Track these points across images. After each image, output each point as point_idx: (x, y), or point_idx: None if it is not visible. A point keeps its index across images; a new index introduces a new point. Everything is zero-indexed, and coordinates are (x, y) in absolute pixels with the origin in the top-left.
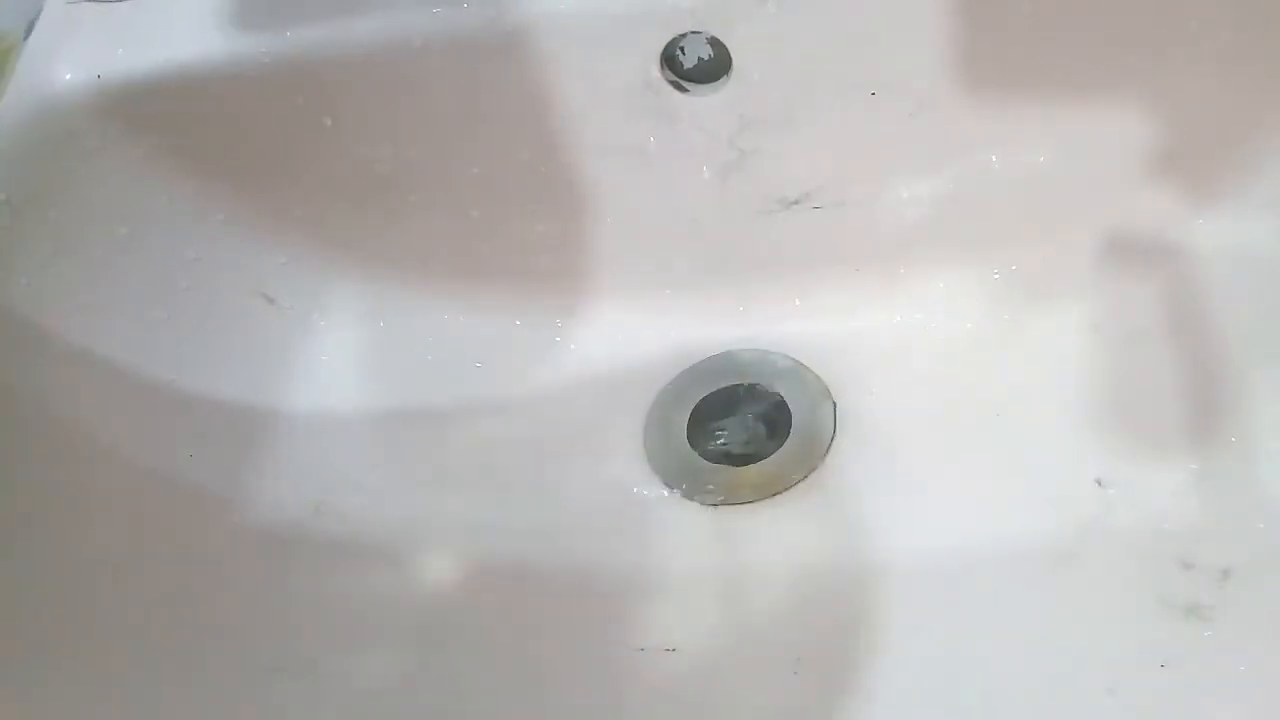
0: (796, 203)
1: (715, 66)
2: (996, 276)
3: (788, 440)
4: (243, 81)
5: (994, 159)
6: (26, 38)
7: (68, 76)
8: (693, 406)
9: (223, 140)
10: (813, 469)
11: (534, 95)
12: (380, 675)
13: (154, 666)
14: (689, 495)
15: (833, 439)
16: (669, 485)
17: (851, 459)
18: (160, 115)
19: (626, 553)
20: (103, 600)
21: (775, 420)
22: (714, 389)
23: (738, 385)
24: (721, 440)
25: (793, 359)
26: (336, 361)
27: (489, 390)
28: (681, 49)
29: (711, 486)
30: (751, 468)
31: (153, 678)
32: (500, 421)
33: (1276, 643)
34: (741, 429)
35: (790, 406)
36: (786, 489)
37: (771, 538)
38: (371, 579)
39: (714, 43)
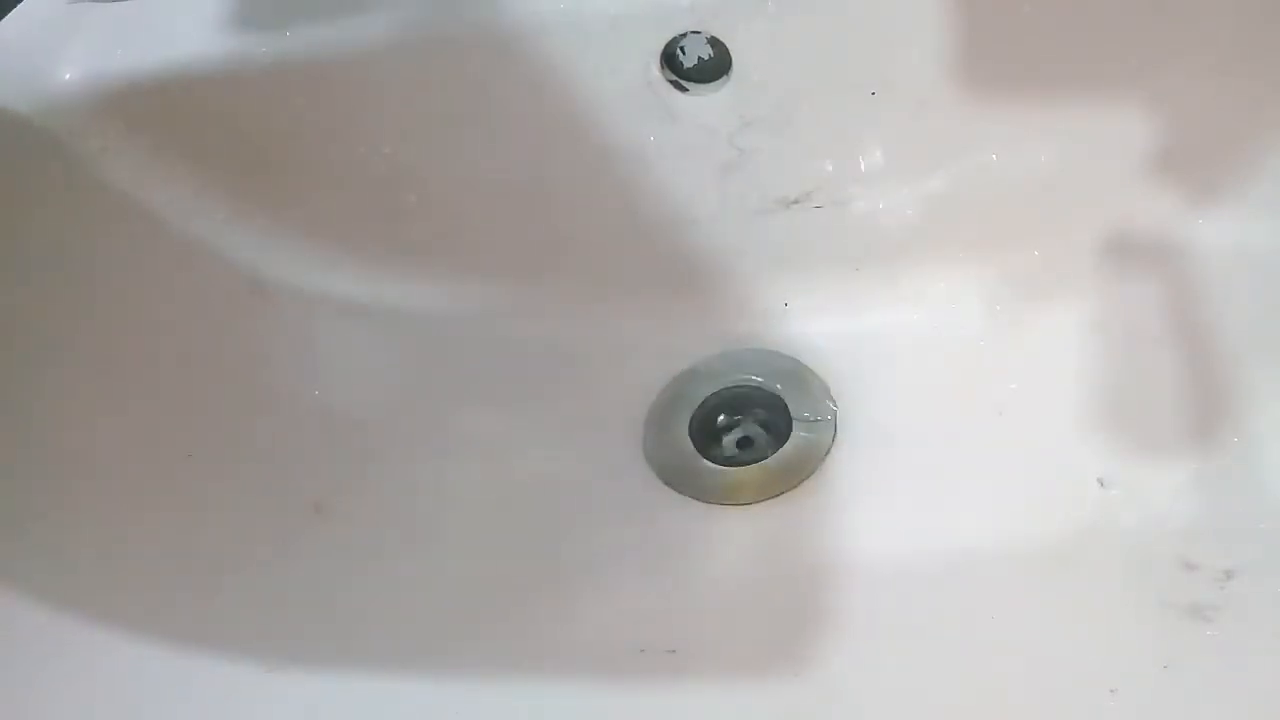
0: (797, 202)
1: (715, 66)
2: (997, 276)
3: (788, 441)
4: (242, 81)
5: (994, 159)
6: None
7: (67, 76)
8: (693, 407)
9: (223, 140)
10: (814, 470)
11: (534, 95)
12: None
13: None
14: (689, 496)
15: (833, 440)
16: (669, 486)
17: (853, 460)
18: (160, 114)
19: (626, 553)
20: None
21: (776, 421)
22: (714, 390)
23: (738, 386)
24: (722, 441)
25: (793, 359)
26: (335, 360)
27: (487, 390)
28: (681, 48)
29: (712, 487)
30: (752, 468)
31: None
32: (498, 422)
33: (1279, 643)
34: (742, 430)
35: (791, 407)
36: (787, 490)
37: (773, 539)
38: (370, 586)
39: (714, 42)
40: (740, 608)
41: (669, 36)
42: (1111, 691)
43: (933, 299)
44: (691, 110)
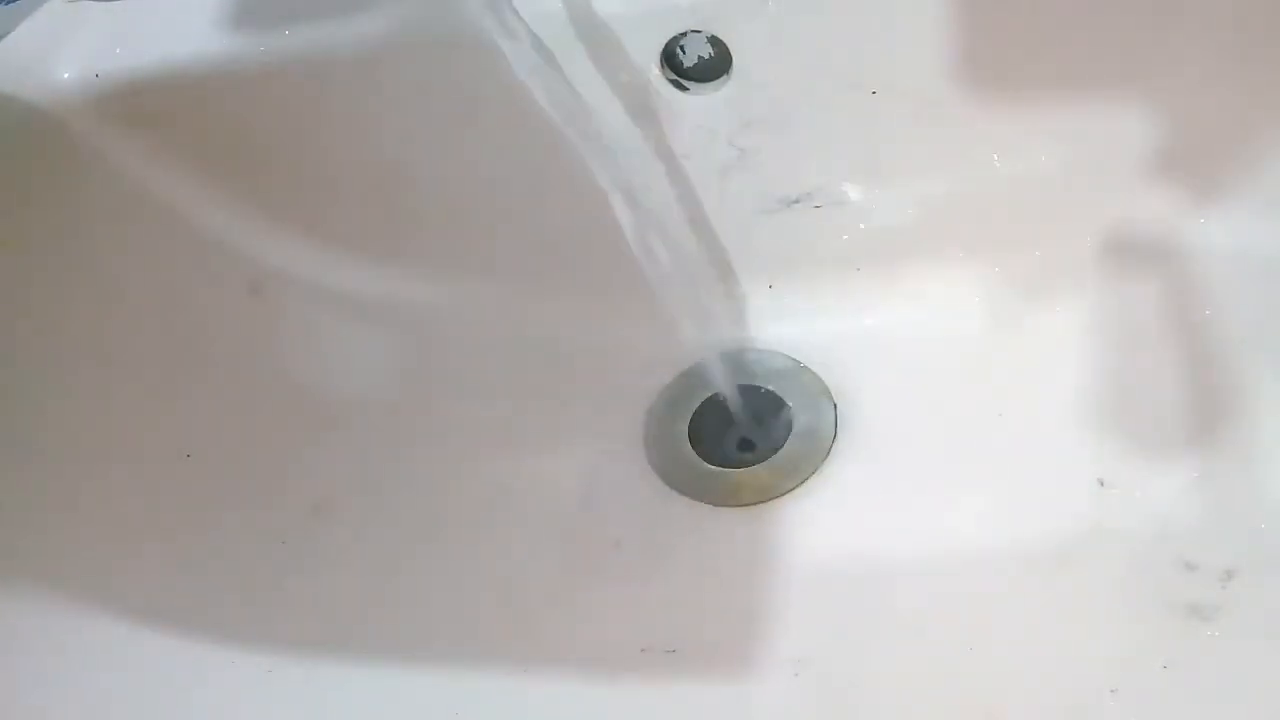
0: (797, 202)
1: (715, 65)
2: (997, 276)
3: (789, 442)
4: (241, 80)
5: (994, 159)
6: None
7: (66, 76)
8: (693, 408)
9: (222, 139)
10: (814, 470)
11: (533, 94)
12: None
13: None
14: (690, 496)
15: (834, 440)
16: (670, 487)
17: (853, 460)
18: (159, 114)
19: (627, 554)
20: None
21: (776, 421)
22: (714, 390)
23: (738, 387)
24: (722, 442)
25: (793, 359)
26: (334, 360)
27: (487, 390)
28: (682, 47)
29: (713, 488)
30: (752, 470)
31: None
32: (498, 423)
33: (1278, 643)
34: (743, 430)
35: (791, 407)
36: (787, 491)
37: (772, 539)
38: (369, 586)
39: (714, 41)
40: (740, 608)
41: (669, 36)
42: (1111, 691)
43: (933, 299)
44: (691, 110)
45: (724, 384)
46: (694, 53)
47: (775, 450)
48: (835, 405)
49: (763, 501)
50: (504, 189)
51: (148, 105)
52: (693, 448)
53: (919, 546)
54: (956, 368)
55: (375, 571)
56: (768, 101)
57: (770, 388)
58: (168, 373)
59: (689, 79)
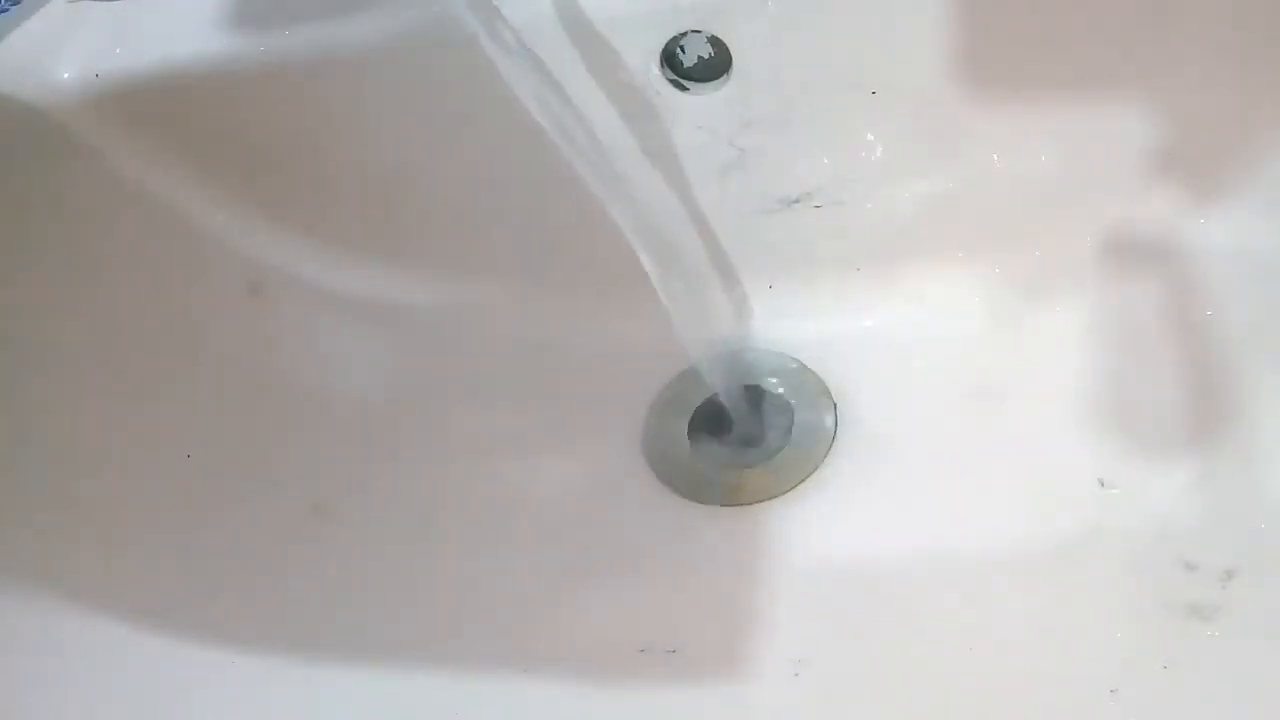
0: (797, 201)
1: (715, 65)
2: (997, 276)
3: (788, 441)
4: (242, 80)
5: (994, 159)
6: None
7: (66, 76)
8: (693, 408)
9: (222, 139)
10: (813, 470)
11: (533, 94)
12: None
13: None
14: (689, 496)
15: (833, 440)
16: (669, 487)
17: (852, 460)
18: (159, 114)
19: (627, 554)
20: None
21: (776, 421)
22: (714, 390)
23: (738, 387)
24: (721, 442)
25: (793, 359)
26: (334, 360)
27: (487, 390)
28: (682, 48)
29: (712, 488)
30: (752, 469)
31: None
32: (498, 423)
33: (1278, 643)
34: (742, 430)
35: (791, 407)
36: (787, 490)
37: (772, 539)
38: (369, 586)
39: (714, 41)
40: (740, 608)
41: (669, 36)
42: (1111, 691)
43: (933, 299)
44: (691, 110)
45: (724, 384)
46: (694, 53)
47: (775, 450)
48: (835, 405)
49: (762, 501)
50: (504, 189)
51: (148, 105)
52: (692, 448)
53: (919, 546)
54: (956, 368)
55: (374, 572)
56: (768, 101)
57: (770, 387)
58: (167, 373)
59: (689, 79)
